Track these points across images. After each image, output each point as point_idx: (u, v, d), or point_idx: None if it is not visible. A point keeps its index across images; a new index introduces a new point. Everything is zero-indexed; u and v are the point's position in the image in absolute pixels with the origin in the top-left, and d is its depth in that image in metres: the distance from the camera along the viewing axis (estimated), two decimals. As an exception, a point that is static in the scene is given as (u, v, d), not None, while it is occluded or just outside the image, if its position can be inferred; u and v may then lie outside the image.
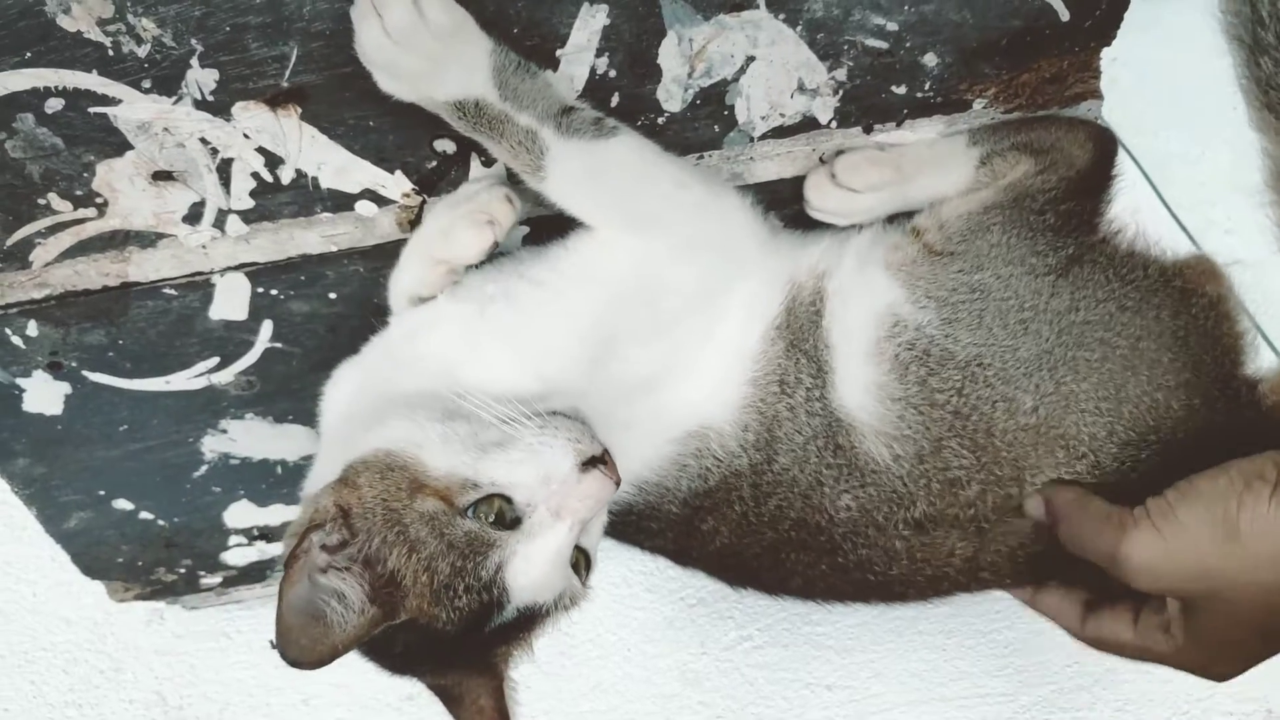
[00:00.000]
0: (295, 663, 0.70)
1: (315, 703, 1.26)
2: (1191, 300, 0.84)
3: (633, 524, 0.87)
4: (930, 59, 0.87)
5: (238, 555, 1.19)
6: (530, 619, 0.76)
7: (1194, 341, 0.83)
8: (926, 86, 0.89)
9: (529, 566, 0.73)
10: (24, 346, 0.95)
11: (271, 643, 0.72)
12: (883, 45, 0.86)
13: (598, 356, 0.82)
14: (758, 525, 0.86)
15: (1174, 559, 0.74)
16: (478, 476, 0.73)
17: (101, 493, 1.09)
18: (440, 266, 0.86)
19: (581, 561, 0.78)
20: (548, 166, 0.79)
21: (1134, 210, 0.89)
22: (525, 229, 0.93)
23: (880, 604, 0.91)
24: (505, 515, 0.73)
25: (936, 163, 0.89)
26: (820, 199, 0.90)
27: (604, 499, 0.74)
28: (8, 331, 0.94)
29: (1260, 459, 0.72)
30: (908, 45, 0.86)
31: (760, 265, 0.88)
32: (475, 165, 0.89)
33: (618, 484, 0.74)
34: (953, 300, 0.83)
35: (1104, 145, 0.88)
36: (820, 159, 0.92)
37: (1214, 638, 0.77)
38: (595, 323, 0.82)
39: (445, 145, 0.87)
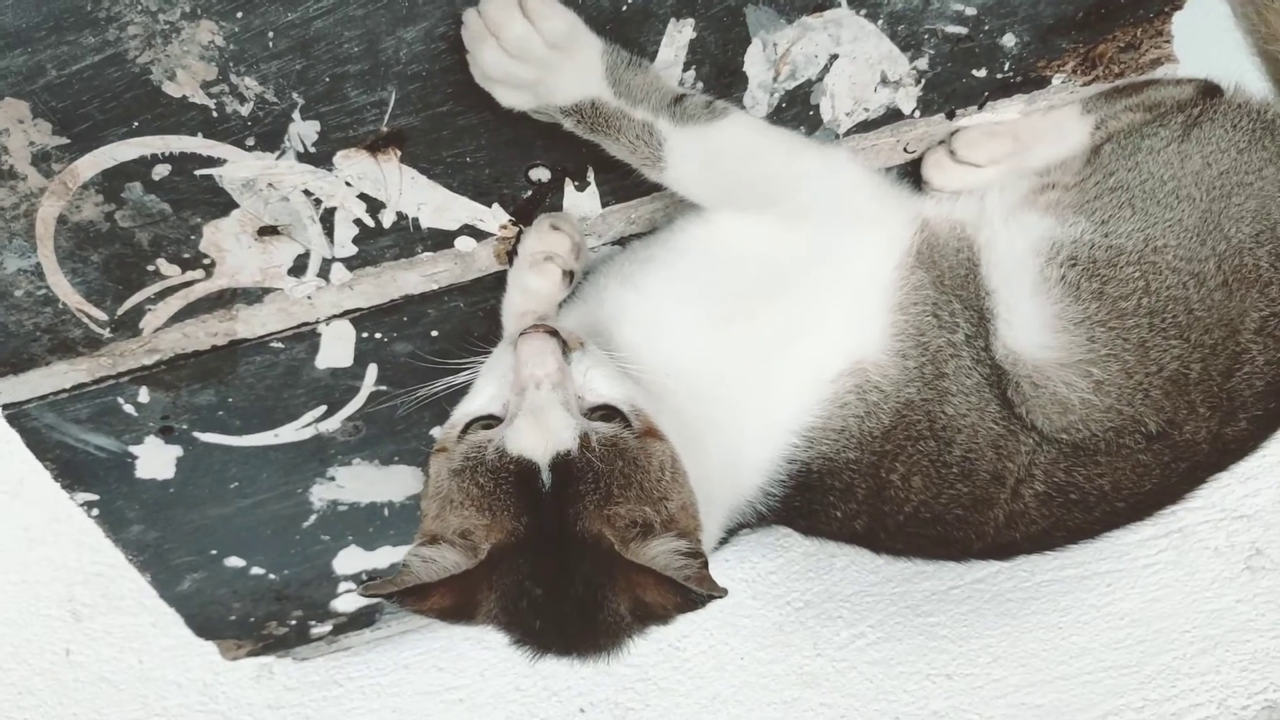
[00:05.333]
0: None
1: (436, 740, 1.27)
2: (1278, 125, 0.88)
3: (816, 489, 0.86)
4: (1009, 39, 0.88)
5: (347, 602, 1.20)
6: (578, 475, 0.75)
7: None
8: (1006, 67, 0.89)
9: (518, 432, 0.75)
10: (136, 414, 0.96)
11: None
12: (962, 31, 0.86)
13: (719, 317, 0.84)
14: (950, 477, 0.86)
15: None
16: (455, 419, 0.80)
17: (214, 552, 1.10)
18: (527, 319, 0.88)
19: (615, 416, 0.77)
20: (666, 157, 0.81)
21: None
22: (619, 249, 0.94)
23: (1134, 523, 0.91)
24: (492, 426, 0.77)
25: (1053, 131, 0.91)
26: (941, 178, 0.91)
27: (545, 347, 0.76)
28: (120, 400, 0.95)
29: None
30: (986, 28, 0.87)
31: (879, 208, 0.88)
32: (569, 190, 0.90)
33: (551, 332, 0.77)
34: (1098, 205, 0.85)
35: (1209, 88, 0.91)
36: (905, 149, 0.93)
37: None
38: (709, 285, 0.84)
39: (540, 174, 0.88)
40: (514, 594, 0.76)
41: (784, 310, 0.85)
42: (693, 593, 0.72)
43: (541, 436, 0.74)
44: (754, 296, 0.84)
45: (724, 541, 0.90)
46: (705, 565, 0.74)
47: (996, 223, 0.89)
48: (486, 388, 0.79)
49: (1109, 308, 0.84)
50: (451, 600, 0.77)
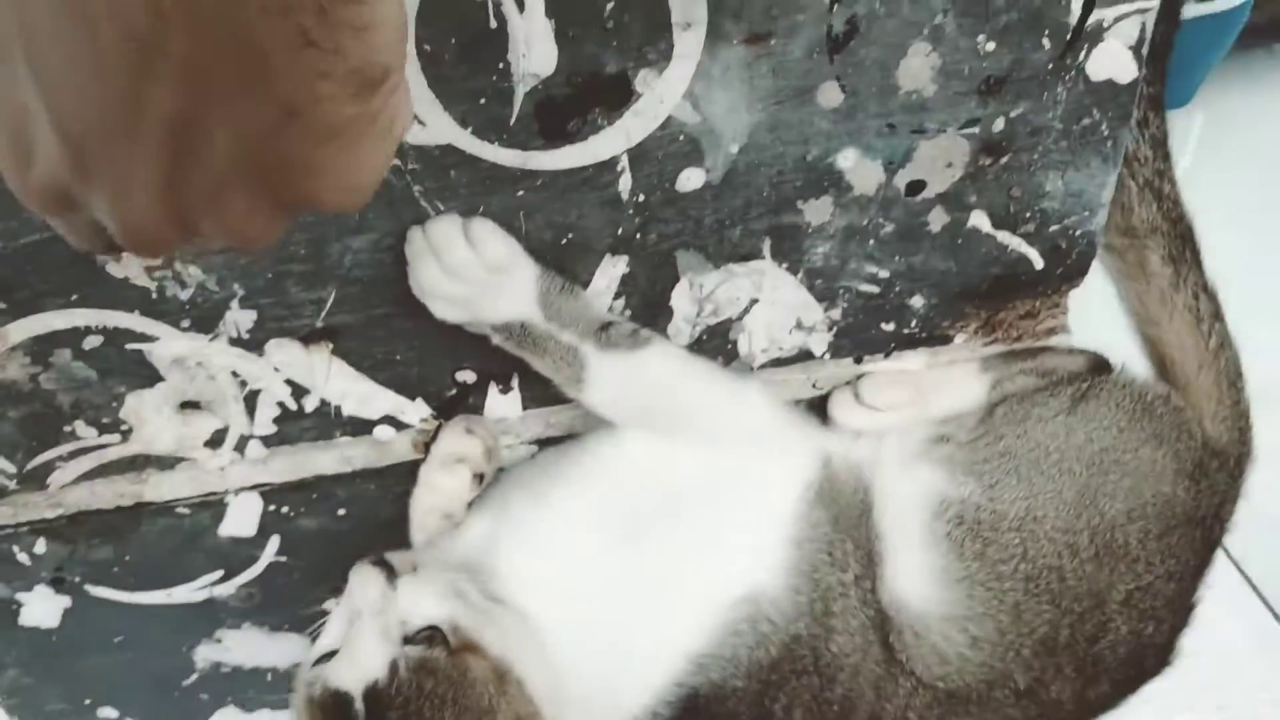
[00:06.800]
0: None
1: None
2: (1156, 407, 0.95)
3: (702, 714, 0.87)
4: (917, 300, 0.94)
5: (216, 761, 1.17)
6: (388, 702, 0.77)
7: (1168, 435, 0.93)
8: (913, 324, 0.96)
9: (336, 665, 0.78)
10: (29, 563, 0.95)
11: None
12: (874, 289, 0.92)
13: (622, 536, 0.86)
14: (830, 715, 0.88)
15: None
16: (309, 657, 0.83)
17: (88, 701, 1.08)
18: (434, 514, 0.92)
19: (436, 635, 0.79)
20: (587, 379, 0.85)
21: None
22: (535, 448, 0.97)
23: None
24: None
25: (952, 385, 0.97)
26: (845, 417, 0.96)
27: (369, 577, 0.79)
28: (14, 549, 0.94)
29: None
30: (897, 289, 0.93)
31: (786, 441, 0.93)
32: (493, 392, 0.93)
33: (377, 562, 0.80)
34: (988, 469, 0.90)
35: (1099, 363, 0.98)
36: (814, 385, 0.98)
37: None
38: (615, 505, 0.88)
39: (466, 376, 0.91)
40: None
41: (686, 535, 0.88)
42: None
43: (353, 668, 0.77)
44: (658, 519, 0.88)
45: None
46: None
47: (893, 469, 0.94)
48: (333, 624, 0.82)
49: (989, 569, 0.88)
50: None
